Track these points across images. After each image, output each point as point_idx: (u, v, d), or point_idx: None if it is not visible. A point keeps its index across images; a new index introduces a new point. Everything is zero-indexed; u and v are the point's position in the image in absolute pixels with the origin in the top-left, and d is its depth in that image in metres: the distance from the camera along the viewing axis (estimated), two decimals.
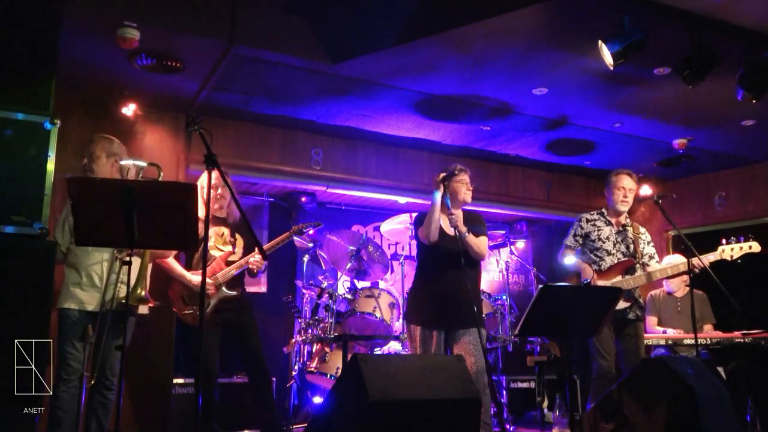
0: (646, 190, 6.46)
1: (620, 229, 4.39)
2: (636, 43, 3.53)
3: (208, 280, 3.80)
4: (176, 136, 4.90)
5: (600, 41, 3.63)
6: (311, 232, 4.55)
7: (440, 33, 3.77)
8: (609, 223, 4.37)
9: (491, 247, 6.27)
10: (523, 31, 3.78)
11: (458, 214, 3.80)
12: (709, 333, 5.11)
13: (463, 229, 3.73)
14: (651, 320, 5.53)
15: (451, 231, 3.84)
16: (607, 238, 4.32)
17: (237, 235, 4.09)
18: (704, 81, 3.86)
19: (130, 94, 4.51)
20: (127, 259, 2.82)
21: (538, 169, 6.55)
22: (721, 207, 6.44)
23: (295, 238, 4.42)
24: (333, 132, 5.50)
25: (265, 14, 3.90)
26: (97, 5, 3.53)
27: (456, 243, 3.76)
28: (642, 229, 4.46)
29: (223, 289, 3.93)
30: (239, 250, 4.06)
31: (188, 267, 4.04)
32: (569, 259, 4.32)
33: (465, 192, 3.90)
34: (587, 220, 4.40)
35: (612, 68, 3.72)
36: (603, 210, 4.45)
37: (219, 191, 4.00)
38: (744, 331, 4.82)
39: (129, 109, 4.56)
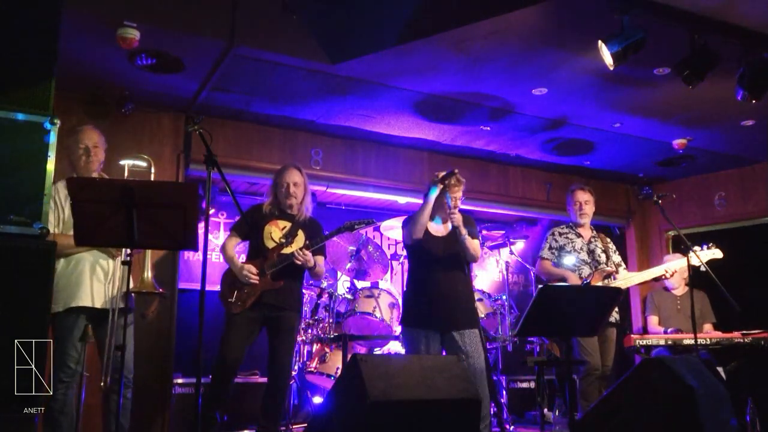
0: (646, 190, 6.47)
1: (590, 240, 4.66)
2: (636, 43, 3.52)
3: (252, 269, 3.83)
4: (176, 136, 4.90)
5: (600, 41, 3.63)
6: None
7: (440, 33, 3.77)
8: (579, 235, 4.66)
9: (491, 247, 6.28)
10: (522, 31, 3.78)
11: (458, 216, 3.77)
12: (709, 333, 5.12)
13: (464, 231, 3.72)
14: (651, 319, 5.54)
15: (438, 233, 3.85)
16: (581, 249, 4.60)
17: (300, 232, 3.99)
18: (704, 81, 3.85)
19: (130, 94, 4.51)
20: (126, 258, 2.83)
21: (538, 169, 6.55)
22: (721, 207, 6.44)
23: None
24: (333, 132, 5.50)
25: (265, 14, 3.90)
26: (97, 5, 3.53)
27: (444, 245, 3.77)
28: (608, 239, 4.77)
29: (267, 281, 3.83)
30: (296, 245, 3.91)
31: (248, 256, 4.02)
32: (549, 268, 4.60)
33: (449, 207, 3.80)
34: (560, 234, 4.68)
35: (612, 68, 3.71)
36: (571, 224, 4.75)
37: (292, 189, 3.97)
38: (744, 331, 4.83)
39: (129, 109, 4.56)
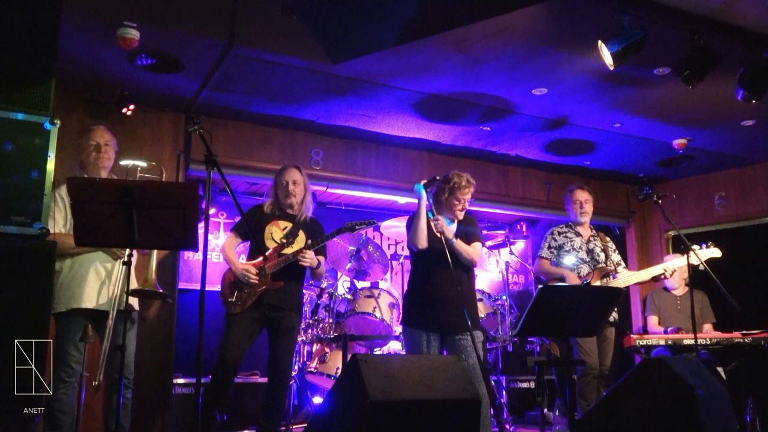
0: (646, 190, 6.46)
1: (589, 239, 4.69)
2: (636, 43, 3.52)
3: (252, 269, 3.84)
4: (176, 136, 4.90)
5: (600, 41, 3.63)
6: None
7: (440, 33, 3.77)
8: (579, 234, 4.69)
9: (491, 247, 6.27)
10: (522, 31, 3.78)
11: (441, 223, 3.70)
12: (709, 333, 5.12)
13: (450, 235, 3.70)
14: (651, 319, 5.54)
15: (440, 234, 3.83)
16: (580, 248, 4.63)
17: (301, 232, 3.99)
18: (704, 81, 3.85)
19: (130, 94, 4.51)
20: (127, 259, 2.82)
21: (538, 169, 6.55)
22: (721, 207, 6.44)
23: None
24: (333, 132, 5.50)
25: (265, 14, 3.90)
26: (97, 5, 3.53)
27: (446, 246, 3.75)
28: (608, 238, 4.80)
29: (268, 281, 3.83)
30: (297, 246, 3.92)
31: (249, 257, 4.03)
32: (548, 267, 4.65)
33: (458, 211, 3.83)
34: (559, 233, 4.71)
35: (612, 68, 3.71)
36: (570, 224, 4.78)
37: (291, 187, 3.98)
38: (744, 331, 4.83)
39: (129, 109, 4.56)
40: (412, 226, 3.80)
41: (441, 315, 3.68)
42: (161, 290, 3.61)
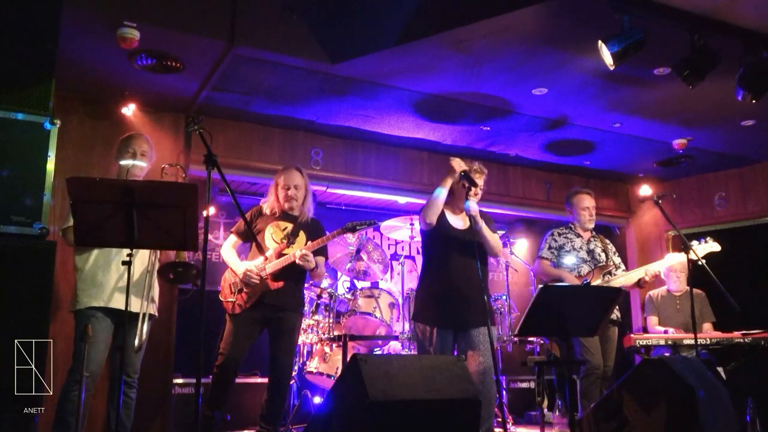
0: (646, 190, 6.47)
1: (589, 240, 4.70)
2: (636, 43, 3.52)
3: (253, 269, 3.83)
4: (176, 136, 4.90)
5: (600, 41, 3.63)
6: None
7: (440, 33, 3.77)
8: (579, 236, 4.70)
9: None
10: (523, 31, 3.78)
11: (475, 208, 3.69)
12: (709, 333, 5.12)
13: (482, 222, 3.69)
14: (651, 320, 5.54)
15: (459, 225, 3.81)
16: (580, 248, 4.63)
17: (301, 233, 3.96)
18: (704, 81, 3.85)
19: (130, 94, 4.52)
20: (128, 259, 2.82)
21: (538, 169, 6.55)
22: (721, 207, 6.44)
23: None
24: (333, 132, 5.50)
25: (265, 14, 3.90)
26: (97, 5, 3.53)
27: (462, 238, 3.73)
28: (607, 240, 4.81)
29: (268, 281, 3.84)
30: (298, 246, 3.89)
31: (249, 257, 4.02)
32: (548, 268, 4.64)
33: (472, 197, 3.77)
34: (559, 234, 4.72)
35: (612, 68, 3.71)
36: (570, 225, 4.77)
37: (292, 191, 3.97)
38: (744, 331, 4.83)
39: (129, 109, 4.57)
40: (430, 200, 3.72)
41: (454, 311, 3.64)
42: (192, 262, 3.60)
